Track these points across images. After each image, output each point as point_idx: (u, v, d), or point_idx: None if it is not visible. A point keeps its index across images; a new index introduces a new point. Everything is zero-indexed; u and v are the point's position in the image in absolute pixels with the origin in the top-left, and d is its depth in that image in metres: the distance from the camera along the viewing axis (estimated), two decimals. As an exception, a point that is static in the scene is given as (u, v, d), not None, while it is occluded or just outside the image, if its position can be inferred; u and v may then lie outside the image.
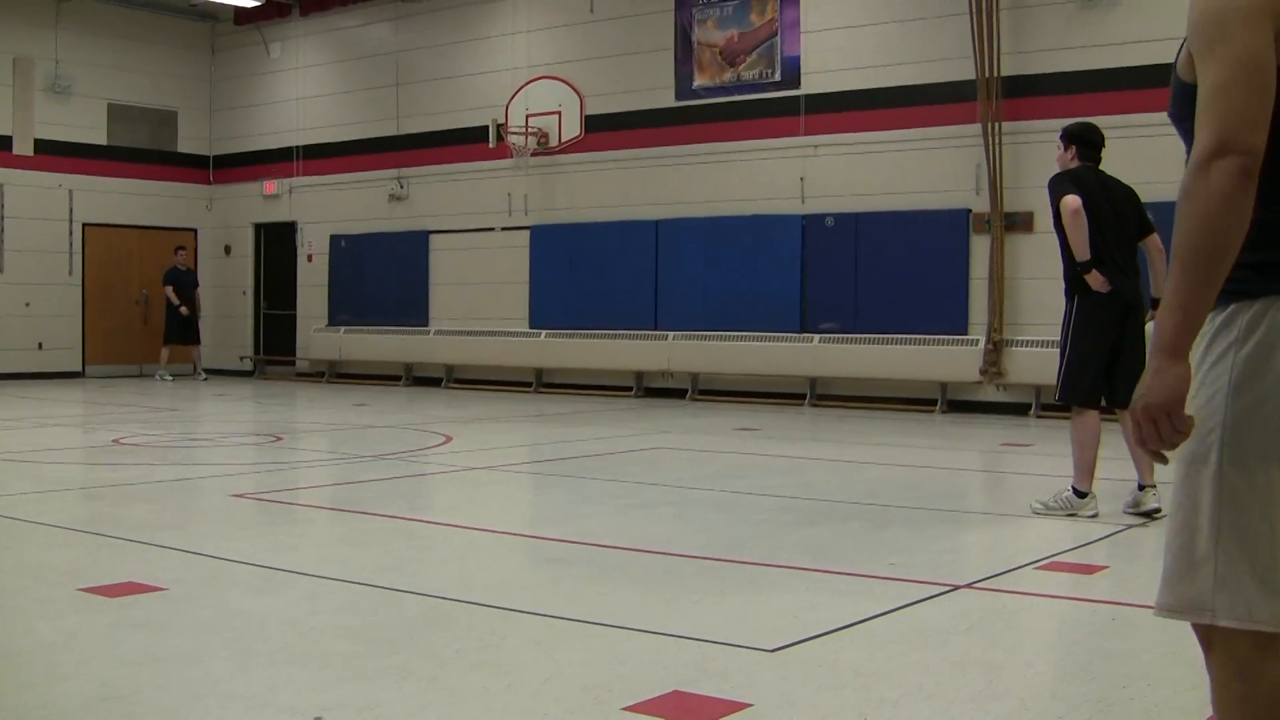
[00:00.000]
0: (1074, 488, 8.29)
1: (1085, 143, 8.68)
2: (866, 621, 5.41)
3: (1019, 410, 16.82)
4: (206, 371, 24.71)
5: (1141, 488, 8.25)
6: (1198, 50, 2.52)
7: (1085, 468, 8.26)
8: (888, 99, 18.02)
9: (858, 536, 7.70)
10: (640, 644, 5.08)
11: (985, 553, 7.50)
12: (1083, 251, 8.13)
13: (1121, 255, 8.38)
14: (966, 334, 17.18)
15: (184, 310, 23.70)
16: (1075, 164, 8.60)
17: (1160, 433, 2.48)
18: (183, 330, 24.05)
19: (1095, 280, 8.18)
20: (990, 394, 17.09)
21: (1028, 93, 16.89)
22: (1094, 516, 8.20)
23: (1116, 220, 8.40)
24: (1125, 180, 8.92)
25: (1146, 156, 16.06)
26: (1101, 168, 8.76)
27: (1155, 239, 8.63)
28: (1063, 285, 8.57)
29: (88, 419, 16.56)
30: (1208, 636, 2.60)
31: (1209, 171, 2.39)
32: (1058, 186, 8.37)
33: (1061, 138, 8.84)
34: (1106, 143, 8.84)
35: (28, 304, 23.32)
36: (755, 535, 7.71)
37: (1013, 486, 10.96)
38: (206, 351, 25.45)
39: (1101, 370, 8.31)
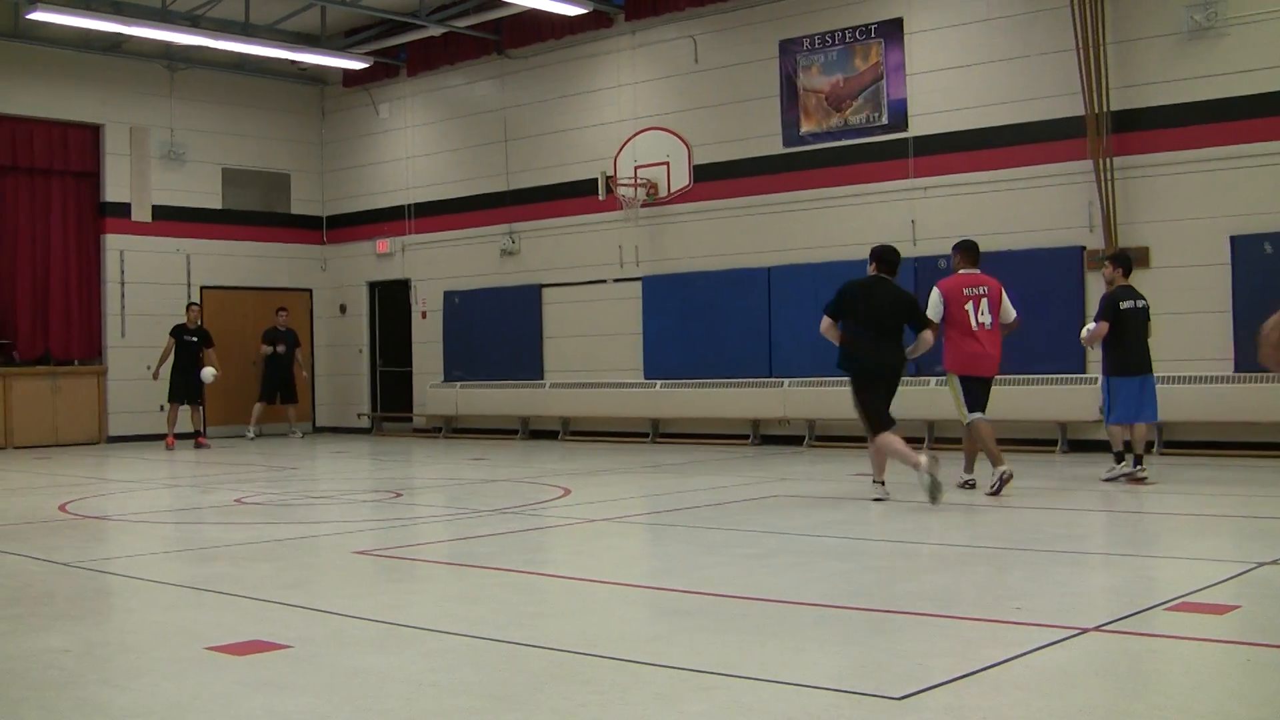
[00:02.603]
0: (875, 480, 12.00)
1: (884, 260, 11.95)
2: (993, 667, 5.34)
3: (1141, 448, 16.57)
4: (316, 429, 25.11)
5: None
6: None
7: (880, 467, 12.01)
8: (996, 138, 17.92)
9: (980, 581, 7.61)
10: (764, 694, 5.05)
11: (1112, 595, 7.37)
12: (836, 340, 11.89)
13: (871, 338, 11.70)
14: (1084, 372, 16.98)
15: (265, 352, 24.46)
16: (872, 273, 11.97)
17: None
18: (278, 389, 24.58)
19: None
20: (1111, 432, 16.84)
21: (1138, 126, 16.72)
22: (879, 500, 11.74)
23: (870, 315, 11.72)
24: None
25: (1258, 186, 15.91)
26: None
27: (925, 333, 12.04)
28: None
29: (209, 479, 16.75)
30: None
31: None
32: (837, 294, 11.96)
33: (869, 257, 12.14)
34: (902, 260, 12.30)
35: (148, 366, 23.71)
36: (877, 582, 7.64)
37: (1138, 526, 10.79)
38: (323, 409, 25.76)
39: (885, 407, 11.89)
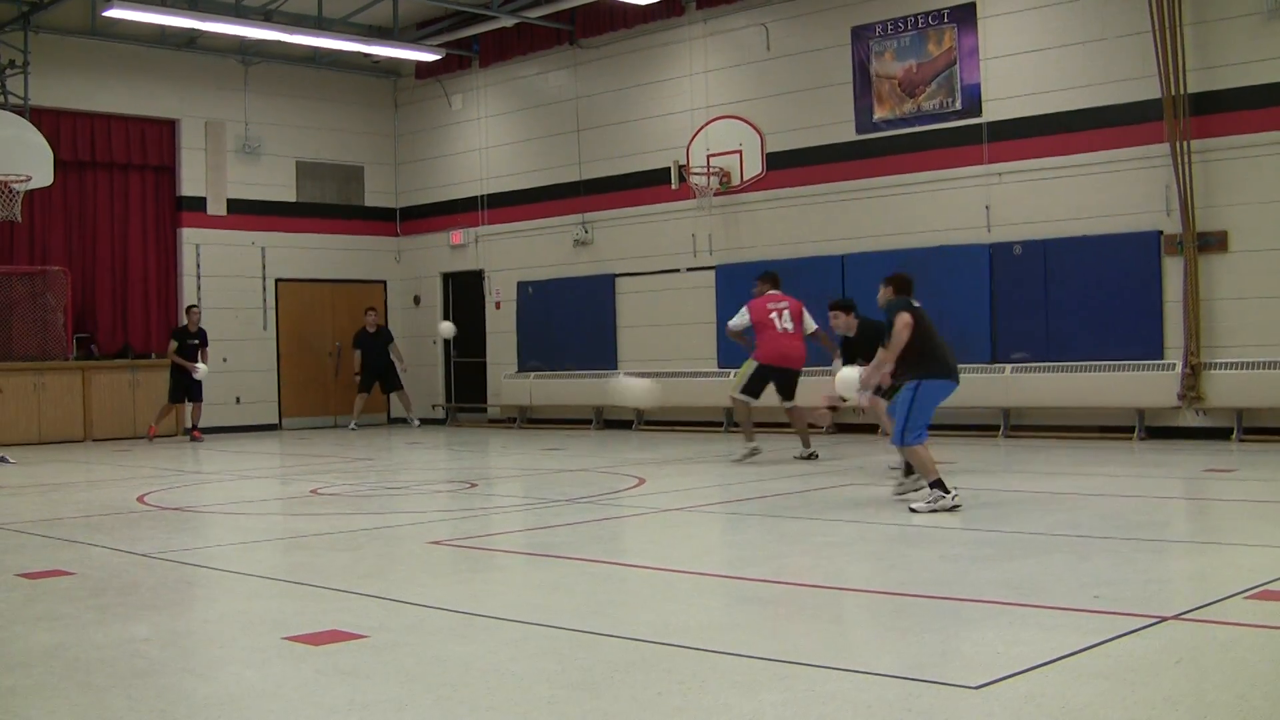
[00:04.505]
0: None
1: None
2: (1072, 656, 5.31)
3: (1220, 435, 16.40)
4: (390, 420, 25.73)
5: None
6: None
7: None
8: (1072, 122, 17.75)
9: (1060, 569, 7.56)
10: (842, 684, 5.04)
11: (1192, 582, 7.31)
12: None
13: None
14: (1163, 358, 16.82)
15: (357, 376, 24.96)
16: None
17: None
18: (375, 379, 24.81)
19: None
20: (1189, 419, 16.69)
21: (1216, 109, 16.51)
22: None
23: None
24: None
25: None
26: None
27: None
28: None
29: (286, 470, 16.89)
30: None
31: None
32: None
33: None
34: None
35: (225, 359, 23.98)
36: (955, 571, 7.61)
37: (1218, 513, 10.69)
38: (397, 400, 25.94)
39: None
